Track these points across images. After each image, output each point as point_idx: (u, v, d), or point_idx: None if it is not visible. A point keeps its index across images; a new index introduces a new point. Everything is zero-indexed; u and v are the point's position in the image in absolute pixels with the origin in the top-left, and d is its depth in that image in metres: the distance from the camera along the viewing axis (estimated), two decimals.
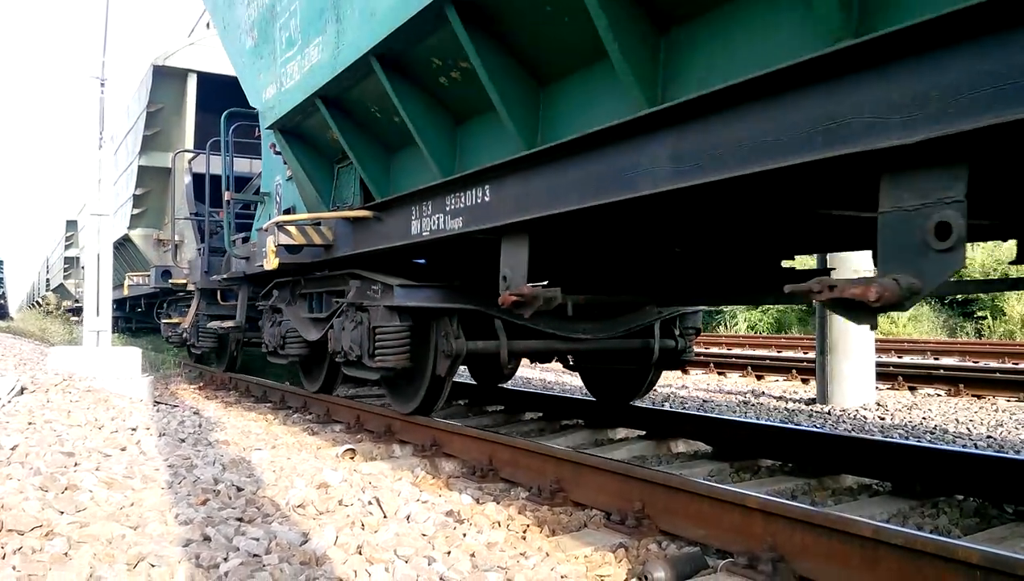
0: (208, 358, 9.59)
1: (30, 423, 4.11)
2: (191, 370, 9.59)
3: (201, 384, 8.53)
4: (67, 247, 25.25)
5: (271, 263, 4.98)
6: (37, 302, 34.14)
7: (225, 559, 2.16)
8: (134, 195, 11.02)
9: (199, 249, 8.74)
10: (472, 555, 2.35)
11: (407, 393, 4.75)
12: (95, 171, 7.82)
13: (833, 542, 2.18)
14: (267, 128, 5.04)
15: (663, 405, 6.69)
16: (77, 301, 21.34)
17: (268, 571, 2.07)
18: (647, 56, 2.42)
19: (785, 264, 4.30)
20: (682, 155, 2.25)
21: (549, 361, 5.83)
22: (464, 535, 2.57)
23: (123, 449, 3.64)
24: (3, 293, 53.05)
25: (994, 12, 1.53)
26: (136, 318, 14.76)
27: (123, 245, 11.95)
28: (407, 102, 3.54)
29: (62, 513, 2.46)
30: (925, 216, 1.72)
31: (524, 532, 2.76)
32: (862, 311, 1.82)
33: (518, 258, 3.22)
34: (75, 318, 21.44)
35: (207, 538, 2.34)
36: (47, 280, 33.10)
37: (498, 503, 3.07)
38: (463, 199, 3.41)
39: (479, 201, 3.29)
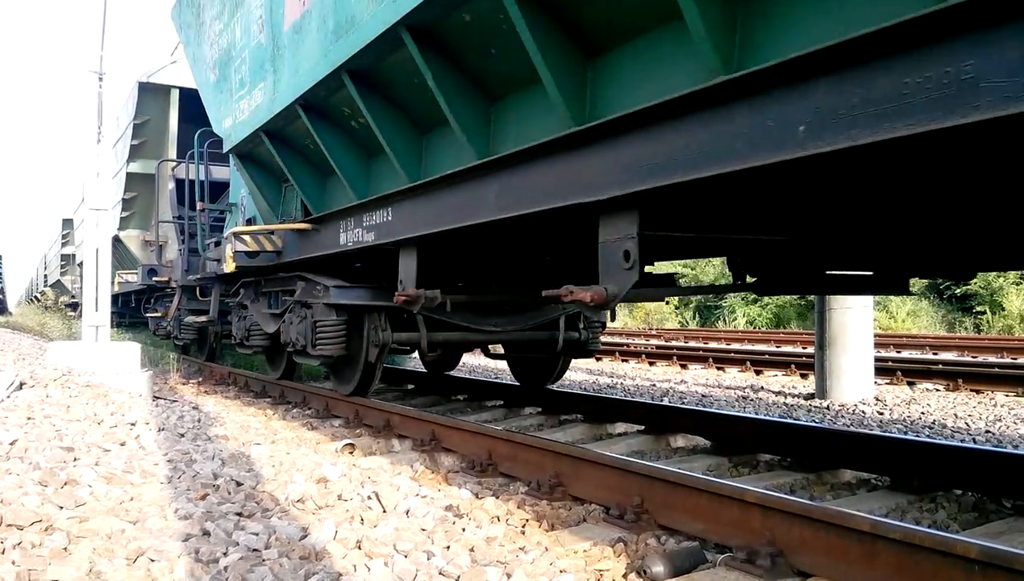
0: (190, 349, 10.48)
1: (29, 418, 4.11)
2: (190, 365, 9.63)
3: (200, 379, 8.53)
4: (63, 245, 25.37)
5: (229, 267, 5.81)
6: (36, 297, 34.15)
7: (225, 553, 2.16)
8: (123, 199, 11.78)
9: (180, 250, 9.38)
10: (471, 549, 2.35)
11: (346, 377, 5.49)
12: (94, 164, 7.84)
13: (831, 536, 2.18)
14: (227, 152, 5.96)
15: (662, 400, 6.70)
16: (74, 297, 21.48)
17: (268, 566, 2.07)
18: (481, 120, 3.25)
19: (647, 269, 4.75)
20: (501, 195, 3.06)
21: (469, 350, 6.50)
22: (463, 529, 2.58)
23: (122, 444, 3.64)
24: (2, 288, 52.93)
25: (648, 114, 2.29)
26: (129, 313, 15.51)
27: (114, 245, 12.45)
28: (327, 140, 4.34)
29: (61, 508, 2.47)
30: (619, 246, 2.52)
31: (523, 527, 2.76)
32: (588, 307, 2.61)
33: (410, 266, 4.02)
34: (72, 313, 21.48)
35: (206, 533, 2.34)
36: (45, 276, 33.18)
37: (497, 498, 3.07)
38: (375, 217, 4.18)
39: (385, 220, 4.07)
